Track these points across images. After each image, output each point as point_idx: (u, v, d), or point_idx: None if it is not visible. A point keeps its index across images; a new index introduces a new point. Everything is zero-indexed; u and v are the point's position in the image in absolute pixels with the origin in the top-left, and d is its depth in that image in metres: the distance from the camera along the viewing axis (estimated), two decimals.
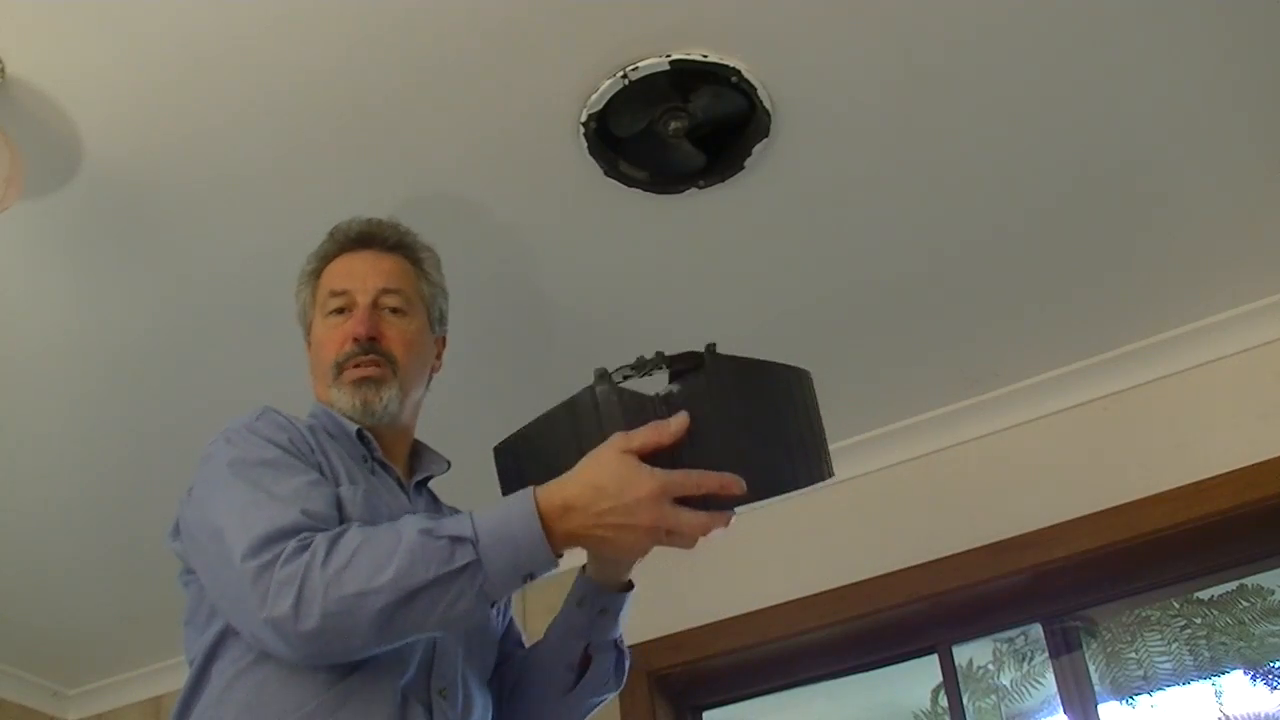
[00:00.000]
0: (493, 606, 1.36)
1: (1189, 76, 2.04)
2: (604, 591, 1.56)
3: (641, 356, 1.44)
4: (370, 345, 1.63)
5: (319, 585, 1.28)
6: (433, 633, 1.36)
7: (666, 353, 1.42)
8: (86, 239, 2.14)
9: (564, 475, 1.33)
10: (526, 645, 1.74)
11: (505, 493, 1.43)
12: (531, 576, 1.32)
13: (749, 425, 1.38)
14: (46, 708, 3.48)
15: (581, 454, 1.33)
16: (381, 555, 1.30)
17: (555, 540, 1.31)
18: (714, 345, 1.40)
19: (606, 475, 1.30)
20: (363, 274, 1.69)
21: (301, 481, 1.43)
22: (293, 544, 1.33)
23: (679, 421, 1.33)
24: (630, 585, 1.59)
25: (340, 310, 1.67)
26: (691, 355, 1.40)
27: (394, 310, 1.68)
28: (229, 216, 2.12)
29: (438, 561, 1.29)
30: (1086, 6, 1.90)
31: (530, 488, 1.33)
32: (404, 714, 1.39)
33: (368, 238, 1.74)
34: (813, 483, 1.41)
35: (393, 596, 1.28)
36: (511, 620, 1.75)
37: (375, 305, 1.67)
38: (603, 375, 1.40)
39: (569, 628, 1.58)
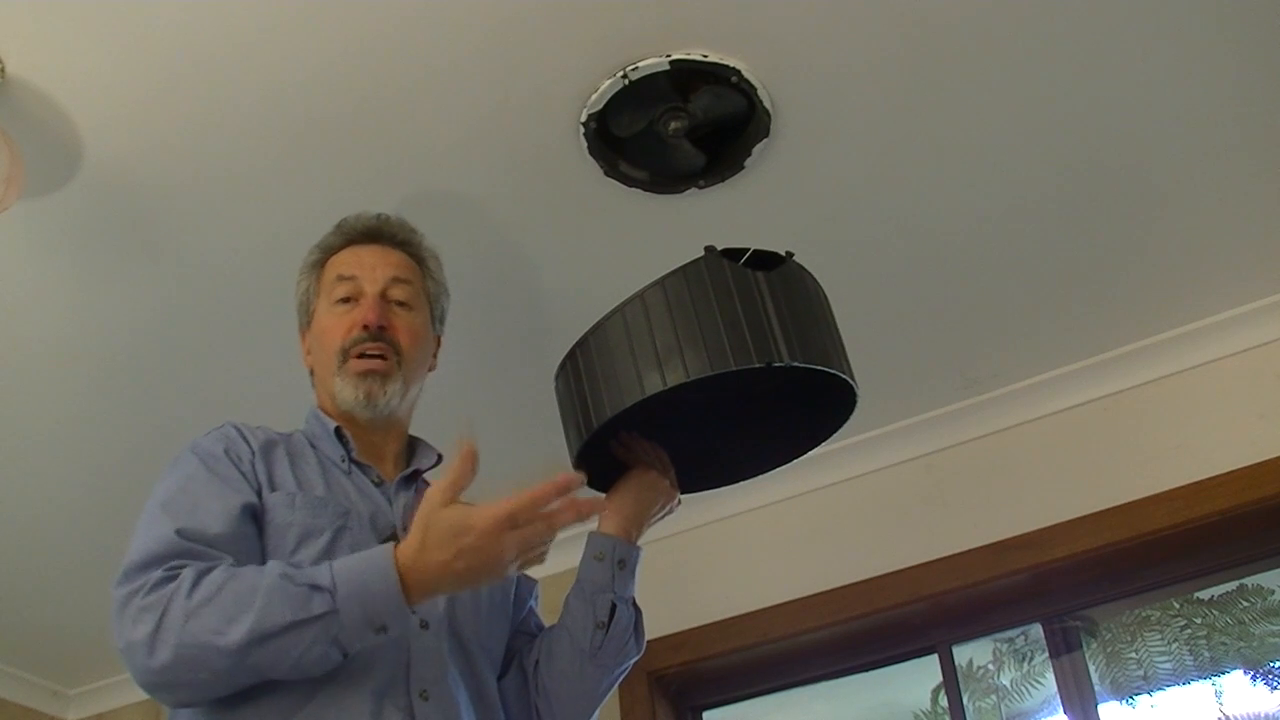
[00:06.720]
0: (344, 655, 1.33)
1: (1190, 76, 2.04)
2: (620, 544, 1.62)
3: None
4: (379, 333, 1.64)
5: (179, 615, 1.30)
6: (286, 677, 1.33)
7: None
8: (86, 239, 2.14)
9: (412, 534, 1.33)
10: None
11: (564, 419, 1.60)
12: (385, 630, 1.32)
13: (815, 311, 1.61)
14: (46, 708, 3.48)
15: (634, 355, 1.47)
16: (245, 592, 1.30)
17: (410, 592, 1.32)
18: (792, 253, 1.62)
19: (445, 526, 1.31)
20: (371, 264, 1.71)
21: (204, 495, 1.44)
22: (158, 573, 1.34)
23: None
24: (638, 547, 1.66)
25: (346, 299, 1.68)
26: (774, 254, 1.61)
27: (400, 303, 1.70)
28: (229, 216, 2.12)
29: (294, 606, 1.29)
30: (1087, 6, 1.90)
31: (390, 543, 1.34)
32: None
33: (376, 232, 1.76)
34: (848, 377, 1.60)
35: (249, 637, 1.28)
36: (531, 609, 1.75)
37: (384, 296, 1.68)
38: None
39: (594, 585, 1.62)
